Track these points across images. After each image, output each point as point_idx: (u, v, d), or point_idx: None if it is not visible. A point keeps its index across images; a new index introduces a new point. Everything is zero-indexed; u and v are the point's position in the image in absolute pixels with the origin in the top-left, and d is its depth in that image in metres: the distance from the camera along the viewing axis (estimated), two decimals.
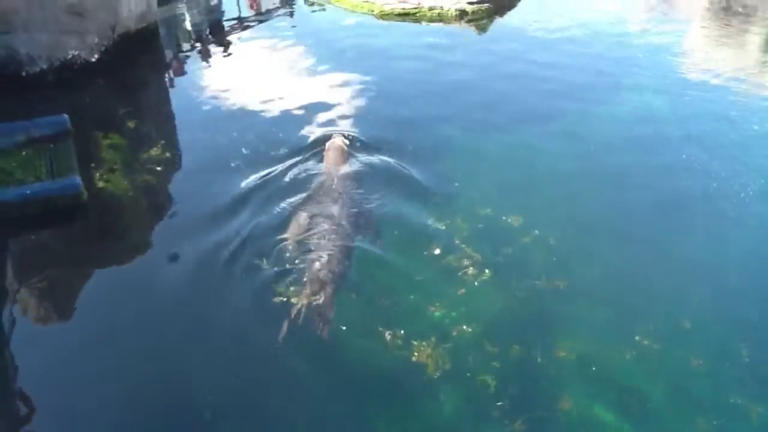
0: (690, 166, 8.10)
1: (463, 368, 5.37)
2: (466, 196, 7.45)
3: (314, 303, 5.96)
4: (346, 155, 8.15)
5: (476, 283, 6.21)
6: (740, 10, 13.80)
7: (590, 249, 6.80)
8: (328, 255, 6.44)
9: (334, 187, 7.48)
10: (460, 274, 6.33)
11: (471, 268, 6.37)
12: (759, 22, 13.31)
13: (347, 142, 8.33)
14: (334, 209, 7.06)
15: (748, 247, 6.91)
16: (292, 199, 7.26)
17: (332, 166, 7.91)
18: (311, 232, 6.75)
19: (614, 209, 7.51)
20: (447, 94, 10.05)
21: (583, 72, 10.85)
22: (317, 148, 8.30)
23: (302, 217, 6.95)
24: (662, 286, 6.35)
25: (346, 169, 7.90)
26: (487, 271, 6.35)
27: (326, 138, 8.43)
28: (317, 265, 6.31)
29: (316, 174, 7.78)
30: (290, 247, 6.54)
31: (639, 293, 6.27)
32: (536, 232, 6.91)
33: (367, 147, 8.32)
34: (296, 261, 6.38)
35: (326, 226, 6.80)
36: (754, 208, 7.39)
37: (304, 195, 7.31)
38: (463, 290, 6.14)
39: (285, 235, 6.67)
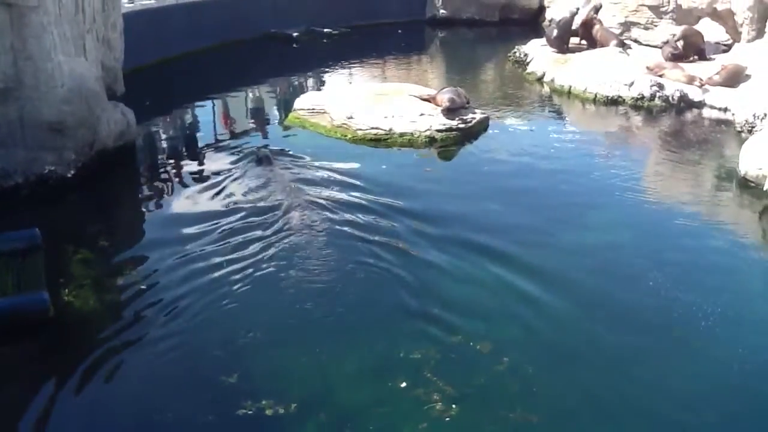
0: (656, 293, 8.34)
1: None
2: (434, 324, 7.51)
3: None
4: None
5: (446, 419, 6.17)
6: (693, 139, 14.56)
7: (563, 377, 6.85)
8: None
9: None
10: (426, 408, 6.29)
11: (439, 403, 6.33)
12: (711, 151, 14.02)
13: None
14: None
15: (711, 376, 7.03)
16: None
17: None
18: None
19: (585, 336, 7.59)
20: (407, 221, 10.01)
21: (546, 202, 11.17)
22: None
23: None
24: (633, 414, 6.42)
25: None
26: (454, 405, 6.30)
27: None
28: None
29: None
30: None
31: (612, 423, 6.33)
32: (506, 359, 6.97)
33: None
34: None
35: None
36: (717, 336, 7.64)
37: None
38: (425, 425, 6.08)
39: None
